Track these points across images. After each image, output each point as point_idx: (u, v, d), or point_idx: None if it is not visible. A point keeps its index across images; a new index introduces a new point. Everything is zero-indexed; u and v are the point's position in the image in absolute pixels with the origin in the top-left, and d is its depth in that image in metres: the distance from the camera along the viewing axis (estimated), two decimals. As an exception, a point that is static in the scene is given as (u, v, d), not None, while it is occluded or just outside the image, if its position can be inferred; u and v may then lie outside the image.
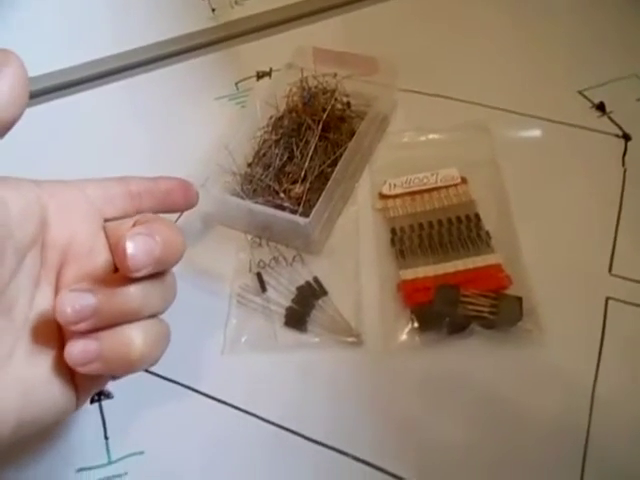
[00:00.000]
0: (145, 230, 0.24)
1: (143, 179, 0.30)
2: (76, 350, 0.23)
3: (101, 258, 0.26)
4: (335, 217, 0.39)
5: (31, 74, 0.24)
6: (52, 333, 0.25)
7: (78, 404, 0.25)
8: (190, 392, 0.33)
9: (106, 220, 0.28)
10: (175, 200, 0.31)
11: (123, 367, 0.24)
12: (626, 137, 0.41)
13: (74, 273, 0.26)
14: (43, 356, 0.24)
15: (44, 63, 0.50)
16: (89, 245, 0.26)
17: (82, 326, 0.23)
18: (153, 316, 0.25)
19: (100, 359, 0.23)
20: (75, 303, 0.23)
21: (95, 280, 0.24)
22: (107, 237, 0.27)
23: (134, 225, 0.25)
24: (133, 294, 0.24)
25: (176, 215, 0.39)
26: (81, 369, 0.23)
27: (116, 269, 0.26)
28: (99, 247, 0.27)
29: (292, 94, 0.43)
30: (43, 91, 0.49)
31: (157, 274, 0.25)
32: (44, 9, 0.56)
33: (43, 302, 0.25)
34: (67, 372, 0.24)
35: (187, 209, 0.33)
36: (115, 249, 0.25)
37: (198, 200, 0.33)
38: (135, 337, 0.24)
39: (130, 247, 0.23)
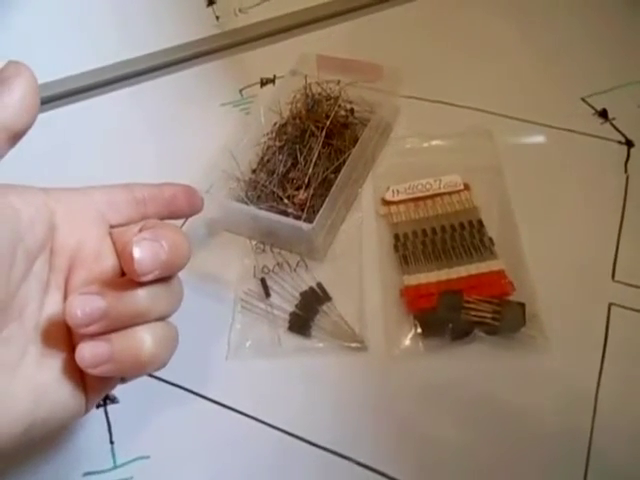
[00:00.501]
0: (151, 235, 0.24)
1: (148, 185, 0.30)
2: (87, 352, 0.23)
3: (108, 263, 0.27)
4: (338, 223, 0.39)
5: (39, 81, 0.24)
6: (62, 337, 0.25)
7: (88, 407, 0.26)
8: (194, 397, 0.33)
9: (112, 227, 0.28)
10: (180, 206, 0.31)
11: (134, 368, 0.25)
12: (629, 143, 0.41)
13: (82, 278, 0.26)
14: (53, 360, 0.24)
15: (51, 70, 0.50)
16: (97, 250, 0.27)
17: (92, 329, 0.23)
18: (161, 319, 0.25)
19: (111, 361, 0.23)
20: (85, 306, 0.23)
21: (103, 284, 0.24)
22: (114, 243, 0.27)
23: (140, 230, 0.25)
24: (141, 296, 0.24)
25: (181, 221, 0.39)
26: (92, 371, 0.23)
27: (123, 274, 0.26)
28: (106, 252, 0.27)
29: (296, 101, 0.43)
30: (50, 98, 0.50)
31: (164, 278, 0.25)
32: (51, 17, 0.56)
33: (52, 307, 0.25)
34: (77, 375, 0.25)
35: (192, 215, 0.33)
36: (122, 254, 0.25)
37: (203, 206, 0.33)
38: (145, 338, 0.24)
39: (137, 252, 0.23)
